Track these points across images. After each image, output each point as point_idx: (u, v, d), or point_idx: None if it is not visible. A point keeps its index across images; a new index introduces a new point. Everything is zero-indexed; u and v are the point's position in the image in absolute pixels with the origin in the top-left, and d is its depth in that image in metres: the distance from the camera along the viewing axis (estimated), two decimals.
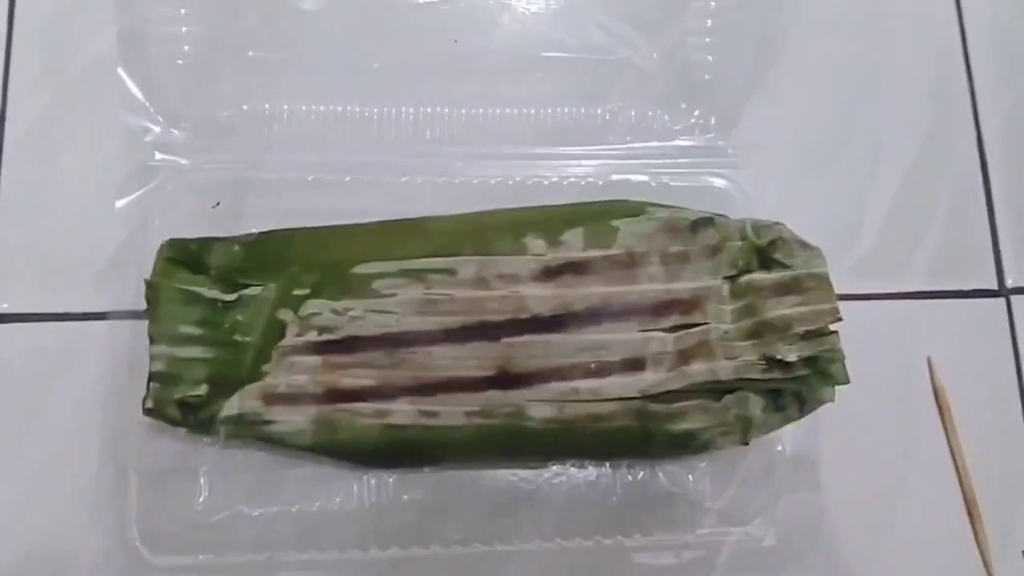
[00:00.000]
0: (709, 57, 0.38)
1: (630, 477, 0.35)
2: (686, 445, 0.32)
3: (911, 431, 0.38)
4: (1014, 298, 0.40)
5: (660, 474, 0.35)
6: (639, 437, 0.32)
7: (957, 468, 0.37)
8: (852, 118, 0.41)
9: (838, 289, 0.32)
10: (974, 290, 0.40)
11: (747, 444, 0.33)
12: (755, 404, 0.32)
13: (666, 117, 0.38)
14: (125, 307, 0.34)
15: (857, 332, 0.32)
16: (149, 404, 0.31)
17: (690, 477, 0.35)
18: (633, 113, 0.38)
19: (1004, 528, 0.37)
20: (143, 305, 0.32)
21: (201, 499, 0.33)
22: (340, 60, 0.37)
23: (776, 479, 0.35)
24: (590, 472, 0.34)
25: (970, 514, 0.37)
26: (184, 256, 0.33)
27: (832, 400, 0.32)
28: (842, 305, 0.31)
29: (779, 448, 0.35)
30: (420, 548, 0.33)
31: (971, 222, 0.41)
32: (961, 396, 0.38)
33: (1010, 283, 0.40)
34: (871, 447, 0.37)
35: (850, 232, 0.39)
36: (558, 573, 0.34)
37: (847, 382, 0.31)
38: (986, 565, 0.36)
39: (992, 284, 0.40)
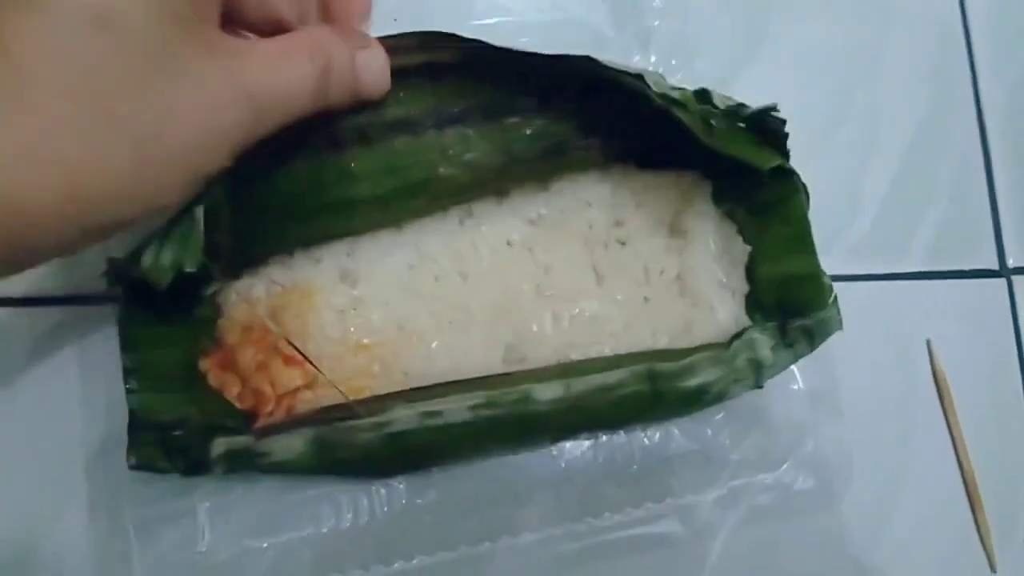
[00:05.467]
0: (686, 23, 0.36)
1: (646, 441, 0.33)
2: (699, 400, 0.31)
3: (910, 415, 0.37)
4: (1015, 278, 0.39)
5: (676, 431, 0.33)
6: (651, 400, 0.30)
7: (957, 454, 0.36)
8: (850, 94, 0.39)
9: (836, 270, 0.31)
10: (975, 270, 0.39)
11: (761, 387, 0.31)
12: (763, 344, 0.31)
13: None
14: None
15: (855, 314, 0.31)
16: (133, 460, 0.27)
17: (708, 431, 0.33)
18: None
19: (1005, 514, 0.36)
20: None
21: (204, 540, 0.30)
22: None
23: (797, 418, 0.34)
24: (604, 444, 0.33)
25: (971, 500, 0.36)
26: None
27: (840, 328, 0.31)
28: (840, 287, 0.31)
29: (795, 387, 0.34)
30: (447, 552, 0.31)
31: (972, 201, 0.40)
32: (961, 379, 0.37)
33: (1011, 263, 0.39)
34: (869, 432, 0.36)
35: (848, 212, 0.38)
36: (592, 553, 0.32)
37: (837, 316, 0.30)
38: (987, 552, 0.35)
39: (993, 264, 0.39)
